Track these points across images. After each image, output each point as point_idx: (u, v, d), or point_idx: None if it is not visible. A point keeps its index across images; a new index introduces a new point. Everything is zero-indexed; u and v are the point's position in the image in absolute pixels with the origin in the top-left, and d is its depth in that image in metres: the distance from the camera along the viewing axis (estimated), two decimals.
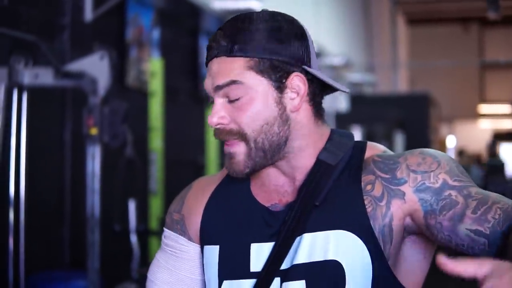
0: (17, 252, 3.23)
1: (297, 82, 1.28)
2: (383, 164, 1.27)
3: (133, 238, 3.67)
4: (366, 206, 1.25)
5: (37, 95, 3.44)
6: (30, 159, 3.35)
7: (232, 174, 1.30)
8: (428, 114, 12.01)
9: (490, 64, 19.73)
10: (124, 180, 3.83)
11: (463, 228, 1.17)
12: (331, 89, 1.34)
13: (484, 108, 20.86)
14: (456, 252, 1.20)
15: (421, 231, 1.25)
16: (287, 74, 1.27)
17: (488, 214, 1.16)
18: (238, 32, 1.26)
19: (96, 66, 3.20)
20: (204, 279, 1.35)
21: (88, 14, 4.22)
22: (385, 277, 1.25)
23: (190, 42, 5.93)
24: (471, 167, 11.88)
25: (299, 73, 1.27)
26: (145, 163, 4.98)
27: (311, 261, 1.24)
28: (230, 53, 1.26)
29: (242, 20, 1.28)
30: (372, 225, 1.24)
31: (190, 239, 1.37)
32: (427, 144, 11.50)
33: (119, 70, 4.34)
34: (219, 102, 1.28)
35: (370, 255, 1.23)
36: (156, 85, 5.21)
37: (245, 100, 1.26)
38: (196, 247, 1.36)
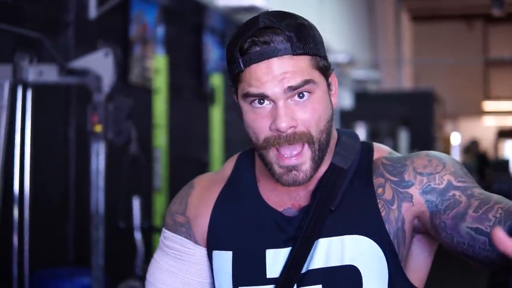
0: (22, 249, 3.23)
1: (334, 79, 1.28)
2: (392, 167, 1.27)
3: (138, 235, 3.66)
4: (380, 210, 1.25)
5: (42, 92, 3.44)
6: (34, 156, 3.35)
7: (291, 185, 1.23)
8: (432, 111, 12.00)
9: (494, 61, 19.69)
10: (129, 177, 3.82)
11: (464, 226, 1.17)
12: None
13: (488, 105, 20.83)
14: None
15: (427, 230, 1.25)
16: (330, 72, 1.26)
17: (489, 213, 1.16)
18: (297, 30, 1.20)
19: (100, 63, 3.19)
20: (212, 282, 1.33)
21: (93, 11, 4.23)
22: (400, 279, 1.25)
23: (195, 39, 5.92)
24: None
25: (332, 72, 1.28)
26: (149, 160, 4.98)
27: (328, 266, 1.23)
28: (294, 52, 1.19)
29: (283, 16, 1.21)
30: (387, 230, 1.24)
31: (196, 242, 1.34)
32: (431, 141, 11.50)
33: (123, 67, 4.34)
34: (287, 104, 1.20)
35: (386, 259, 1.23)
36: (160, 82, 5.20)
37: (315, 99, 1.22)
38: (202, 250, 1.34)
